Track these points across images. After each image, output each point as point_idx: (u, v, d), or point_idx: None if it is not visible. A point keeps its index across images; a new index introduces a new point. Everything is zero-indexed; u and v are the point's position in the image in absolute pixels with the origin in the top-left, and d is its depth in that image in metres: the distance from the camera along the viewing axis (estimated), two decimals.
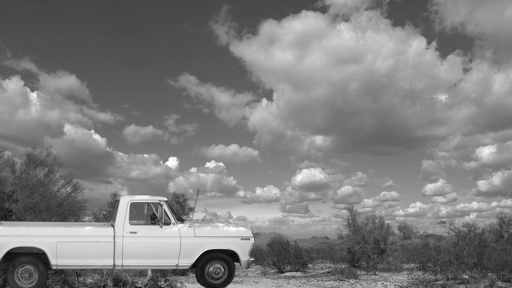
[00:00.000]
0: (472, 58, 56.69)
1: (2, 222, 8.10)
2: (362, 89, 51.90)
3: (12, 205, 13.46)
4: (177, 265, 7.53)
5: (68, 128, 47.43)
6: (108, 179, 50.89)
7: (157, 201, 7.58)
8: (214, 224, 8.04)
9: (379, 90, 52.27)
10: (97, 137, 50.14)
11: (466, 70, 55.45)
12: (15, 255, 7.19)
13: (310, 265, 24.23)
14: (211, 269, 7.57)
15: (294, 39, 52.43)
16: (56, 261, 7.16)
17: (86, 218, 19.11)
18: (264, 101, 58.55)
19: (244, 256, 7.60)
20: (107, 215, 24.15)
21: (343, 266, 22.08)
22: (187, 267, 7.61)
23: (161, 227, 7.44)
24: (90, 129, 54.39)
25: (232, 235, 7.65)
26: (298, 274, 21.04)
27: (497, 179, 52.53)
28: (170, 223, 7.50)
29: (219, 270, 7.59)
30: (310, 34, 51.85)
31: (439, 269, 15.28)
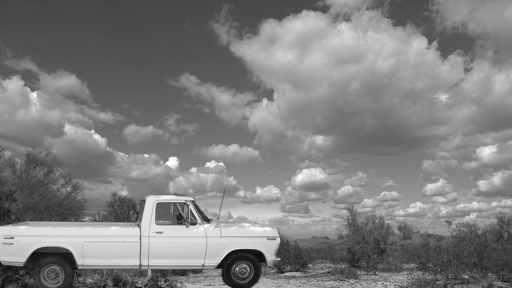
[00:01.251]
0: (473, 58, 56.66)
1: (28, 222, 8.13)
2: (363, 89, 51.96)
3: (11, 205, 13.46)
4: (203, 265, 7.49)
5: (68, 128, 47.48)
6: (108, 179, 50.93)
7: (183, 201, 7.56)
8: (240, 224, 8.01)
9: (380, 90, 52.36)
10: (97, 137, 50.21)
11: (467, 70, 55.48)
12: (41, 255, 7.18)
13: (310, 265, 24.23)
14: (237, 269, 7.54)
15: (295, 39, 52.50)
16: (82, 261, 7.14)
17: (86, 218, 19.12)
18: (265, 101, 58.64)
19: (270, 256, 7.56)
20: (107, 215, 24.16)
21: (343, 266, 22.08)
22: (213, 267, 7.56)
23: (187, 227, 7.41)
24: (90, 129, 54.46)
25: (258, 235, 7.60)
26: (298, 274, 21.04)
27: (497, 179, 52.59)
28: (196, 223, 7.46)
29: (245, 270, 7.56)
30: (311, 34, 51.91)
31: (439, 269, 15.27)
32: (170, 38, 62.24)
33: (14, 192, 14.83)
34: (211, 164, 55.31)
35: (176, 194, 8.01)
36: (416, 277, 15.37)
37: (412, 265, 22.62)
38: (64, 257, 7.19)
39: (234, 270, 7.54)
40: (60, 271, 7.17)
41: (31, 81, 52.96)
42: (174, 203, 7.71)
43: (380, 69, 50.44)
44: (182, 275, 20.80)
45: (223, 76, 64.51)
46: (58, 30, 57.89)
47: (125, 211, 24.49)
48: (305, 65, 54.09)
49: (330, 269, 21.60)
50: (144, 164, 52.62)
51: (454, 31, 53.83)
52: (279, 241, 7.73)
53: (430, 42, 55.76)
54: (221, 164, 55.76)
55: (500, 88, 50.63)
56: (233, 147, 58.39)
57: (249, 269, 7.58)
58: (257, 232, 7.66)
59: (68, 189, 17.63)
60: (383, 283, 16.04)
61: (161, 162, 54.13)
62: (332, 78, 52.64)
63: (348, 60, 51.29)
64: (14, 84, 43.84)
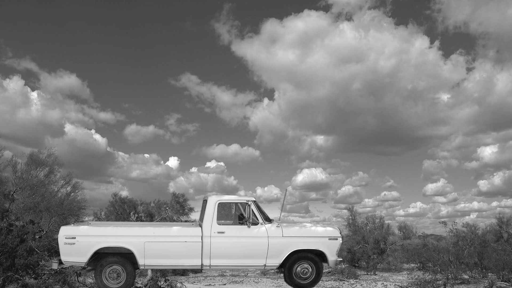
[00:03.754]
0: (475, 58, 56.27)
1: (90, 222, 8.09)
2: (364, 89, 51.60)
3: (12, 205, 13.49)
4: (264, 265, 7.44)
5: (68, 127, 47.31)
6: (108, 179, 50.77)
7: (245, 201, 7.51)
8: (301, 224, 7.97)
9: (381, 90, 52.04)
10: (97, 137, 49.99)
11: (469, 70, 55.15)
12: (103, 255, 7.18)
13: None
14: (298, 269, 7.49)
15: (296, 38, 52.10)
16: (143, 261, 7.13)
17: (86, 218, 19.17)
18: (266, 100, 58.26)
19: (332, 256, 7.49)
20: (108, 215, 24.20)
21: (343, 266, 22.10)
22: (275, 267, 7.50)
23: (248, 227, 7.35)
24: (90, 129, 54.21)
25: (320, 235, 7.54)
26: None
27: (498, 179, 52.26)
28: (258, 223, 7.42)
29: (307, 270, 7.50)
30: (313, 33, 51.49)
31: (439, 269, 15.30)
32: (171, 37, 62.09)
33: (14, 192, 14.86)
34: (211, 164, 55.09)
35: (237, 195, 7.96)
36: (416, 277, 15.40)
37: (412, 265, 22.63)
38: (125, 257, 7.18)
39: (296, 270, 7.49)
40: (122, 271, 7.18)
41: (31, 80, 52.76)
42: (236, 203, 7.71)
43: (382, 68, 50.23)
44: (182, 275, 20.83)
45: (224, 76, 64.25)
46: (59, 30, 57.84)
47: (125, 211, 24.53)
48: (307, 64, 53.83)
49: (330, 269, 21.62)
50: (145, 164, 52.48)
51: (456, 30, 53.56)
52: (341, 241, 7.66)
53: (432, 42, 55.46)
54: (222, 164, 55.55)
55: (502, 88, 50.38)
56: (234, 147, 58.23)
57: (310, 269, 7.52)
58: (319, 232, 7.60)
59: (68, 189, 17.70)
60: (383, 283, 16.05)
61: (162, 162, 53.94)
62: (334, 78, 52.39)
63: (349, 59, 51.06)
64: (14, 83, 43.76)
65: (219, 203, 7.53)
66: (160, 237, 7.22)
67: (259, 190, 52.57)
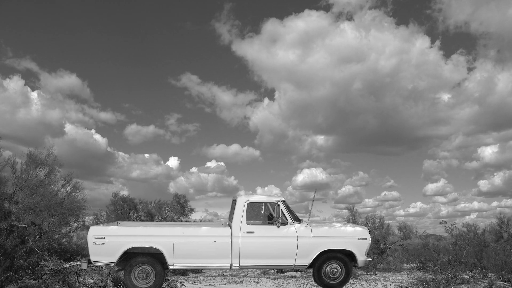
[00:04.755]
0: (476, 57, 56.13)
1: (119, 222, 8.10)
2: (365, 89, 51.49)
3: (12, 206, 13.50)
4: (294, 265, 7.44)
5: (69, 127, 47.26)
6: (109, 179, 50.75)
7: (274, 201, 7.53)
8: (331, 224, 7.97)
9: (382, 90, 51.94)
10: (98, 136, 49.95)
11: (470, 69, 55.04)
12: (132, 255, 7.20)
13: None
14: (328, 269, 7.50)
15: (297, 38, 51.98)
16: (173, 261, 7.16)
17: (86, 218, 19.17)
18: (266, 100, 58.18)
19: (361, 256, 7.51)
20: (109, 215, 24.20)
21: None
22: (304, 267, 7.51)
23: (278, 227, 7.37)
24: (91, 129, 54.17)
25: (349, 235, 7.54)
26: (298, 274, 21.06)
27: (498, 179, 52.20)
28: (287, 223, 7.43)
29: (336, 270, 7.51)
30: (313, 33, 51.38)
31: (439, 269, 15.30)
32: (171, 37, 62.02)
33: (14, 192, 14.87)
34: (211, 164, 55.07)
35: (265, 195, 7.96)
36: (416, 277, 15.40)
37: (412, 265, 22.62)
38: (155, 257, 7.20)
39: (325, 270, 7.50)
40: (151, 271, 7.19)
41: (31, 80, 52.70)
42: (265, 203, 7.70)
43: (382, 68, 50.12)
44: (182, 275, 20.83)
45: (225, 76, 64.15)
46: (59, 30, 57.81)
47: (126, 211, 24.53)
48: (307, 64, 53.72)
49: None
50: (145, 164, 52.44)
51: (457, 30, 53.44)
52: (370, 241, 7.67)
53: (433, 42, 55.33)
54: (222, 164, 55.53)
55: (503, 88, 50.26)
56: (234, 147, 58.16)
57: (340, 269, 7.53)
58: (348, 232, 7.60)
59: (68, 189, 17.70)
60: (383, 283, 16.06)
61: (162, 162, 53.90)
62: (334, 78, 52.26)
63: (350, 59, 50.96)
64: (14, 83, 43.72)
65: (248, 203, 7.54)
66: (190, 237, 7.22)
67: (259, 190, 52.59)
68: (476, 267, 15.13)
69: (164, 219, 22.02)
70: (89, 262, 7.30)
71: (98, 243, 7.05)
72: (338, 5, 56.98)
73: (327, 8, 59.36)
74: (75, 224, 17.95)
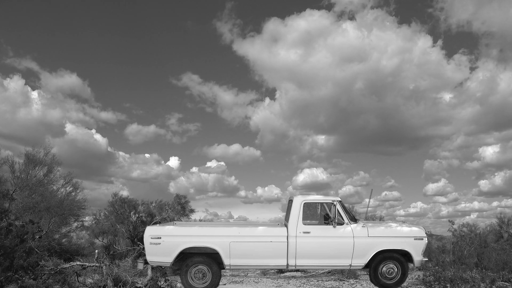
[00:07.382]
0: (478, 57, 56.06)
1: (175, 222, 8.13)
2: (366, 88, 51.39)
3: (11, 205, 13.46)
4: (350, 265, 7.48)
5: (69, 127, 47.13)
6: (109, 179, 50.64)
7: (331, 201, 7.51)
8: (387, 224, 7.96)
9: (384, 89, 51.84)
10: (98, 136, 49.83)
11: (472, 69, 54.98)
12: (188, 255, 7.21)
13: None
14: (384, 269, 7.51)
15: (298, 38, 51.84)
16: (229, 261, 7.17)
17: (86, 218, 19.14)
18: (267, 100, 58.05)
19: (417, 256, 7.50)
20: (108, 215, 24.17)
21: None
22: (360, 267, 7.53)
23: (334, 227, 7.36)
24: (91, 129, 54.05)
25: (405, 235, 7.54)
26: (298, 274, 21.03)
27: (498, 179, 52.17)
28: (344, 223, 7.41)
29: (392, 270, 7.52)
30: (315, 33, 51.25)
31: (439, 269, 15.26)
32: (172, 36, 61.92)
33: (14, 192, 14.83)
34: (212, 164, 54.99)
35: (323, 195, 7.94)
36: (416, 277, 15.37)
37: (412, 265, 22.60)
38: (211, 257, 7.20)
39: (382, 270, 7.51)
40: (208, 271, 7.21)
41: (32, 80, 52.55)
42: (321, 203, 7.72)
43: (384, 68, 50.02)
44: None
45: (226, 75, 64.03)
46: (59, 29, 57.70)
47: (126, 211, 24.50)
48: (309, 64, 53.62)
49: (330, 269, 21.58)
50: (145, 164, 52.36)
51: (459, 29, 53.34)
52: (426, 241, 7.64)
53: (435, 41, 55.30)
54: (222, 163, 55.45)
55: (505, 87, 50.17)
56: (235, 147, 58.08)
57: (396, 269, 7.53)
58: (404, 232, 7.60)
59: (68, 188, 17.68)
60: None
61: (162, 162, 53.85)
62: (336, 78, 52.16)
63: (352, 59, 50.87)
64: (15, 83, 43.60)
65: (304, 203, 7.54)
66: (246, 237, 7.22)
67: (259, 190, 52.51)
68: (476, 267, 15.12)
69: (164, 219, 22.01)
70: (145, 262, 7.32)
71: (154, 243, 7.06)
72: (340, 4, 56.93)
73: (329, 7, 59.32)
74: (75, 224, 17.94)
